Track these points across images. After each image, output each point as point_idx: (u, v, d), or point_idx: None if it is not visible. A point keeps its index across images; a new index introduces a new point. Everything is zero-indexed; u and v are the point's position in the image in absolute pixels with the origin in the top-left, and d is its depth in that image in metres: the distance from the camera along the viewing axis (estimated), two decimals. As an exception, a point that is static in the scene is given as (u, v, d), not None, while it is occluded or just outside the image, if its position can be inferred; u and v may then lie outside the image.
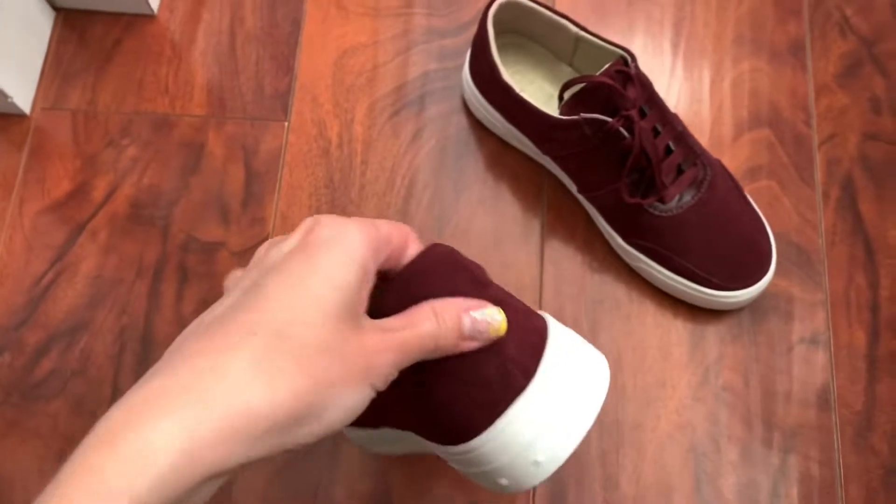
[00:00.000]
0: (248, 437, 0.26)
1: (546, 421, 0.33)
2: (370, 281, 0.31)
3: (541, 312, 0.38)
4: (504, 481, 0.35)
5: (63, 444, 0.54)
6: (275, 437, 0.26)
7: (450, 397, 0.34)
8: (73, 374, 0.56)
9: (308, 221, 0.31)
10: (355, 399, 0.29)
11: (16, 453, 0.54)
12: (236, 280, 0.32)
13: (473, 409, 0.34)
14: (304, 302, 0.28)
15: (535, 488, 0.36)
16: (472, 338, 0.32)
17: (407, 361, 0.31)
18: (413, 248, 0.35)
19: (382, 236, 0.32)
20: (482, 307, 0.32)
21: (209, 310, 0.31)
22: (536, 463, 0.34)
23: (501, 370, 0.33)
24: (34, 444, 0.54)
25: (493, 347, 0.33)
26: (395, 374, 0.30)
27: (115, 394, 0.55)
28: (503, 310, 0.34)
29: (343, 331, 0.28)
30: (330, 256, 0.29)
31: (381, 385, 0.30)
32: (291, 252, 0.30)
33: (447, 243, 0.59)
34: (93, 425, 0.26)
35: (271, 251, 0.31)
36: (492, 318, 0.32)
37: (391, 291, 0.34)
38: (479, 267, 0.36)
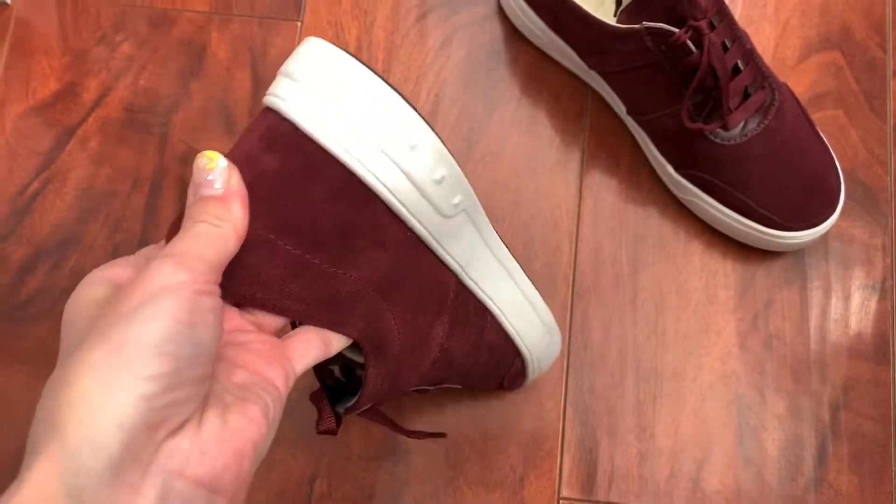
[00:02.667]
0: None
1: (336, 98, 0.29)
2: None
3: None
4: (413, 140, 0.30)
5: (52, 369, 0.49)
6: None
7: (316, 211, 0.29)
8: (63, 294, 0.51)
9: None
10: (156, 307, 0.25)
11: (1, 378, 0.49)
12: None
13: (324, 186, 0.29)
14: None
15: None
16: (217, 187, 0.28)
17: (200, 251, 0.27)
18: None
19: (126, 259, 0.30)
20: (192, 177, 0.29)
21: None
22: (375, 104, 0.29)
23: (269, 150, 0.29)
24: (20, 370, 0.50)
25: (247, 163, 0.29)
26: (190, 264, 0.26)
27: (109, 318, 0.50)
28: (235, 145, 0.31)
29: (97, 310, 0.27)
30: (69, 304, 0.29)
31: (183, 275, 0.26)
32: None
33: (475, 167, 0.53)
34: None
35: None
36: (199, 165, 0.29)
37: None
38: None
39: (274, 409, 0.28)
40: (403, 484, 0.48)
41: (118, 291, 0.26)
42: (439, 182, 0.31)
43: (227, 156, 0.29)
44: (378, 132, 0.29)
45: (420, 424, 0.49)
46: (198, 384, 0.25)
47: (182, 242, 0.27)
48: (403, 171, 0.30)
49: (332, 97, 0.29)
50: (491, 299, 0.37)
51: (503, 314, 0.38)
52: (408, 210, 0.31)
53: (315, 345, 0.32)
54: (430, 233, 0.32)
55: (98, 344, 0.24)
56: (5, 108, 0.54)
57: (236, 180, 0.29)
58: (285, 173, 0.29)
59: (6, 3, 0.56)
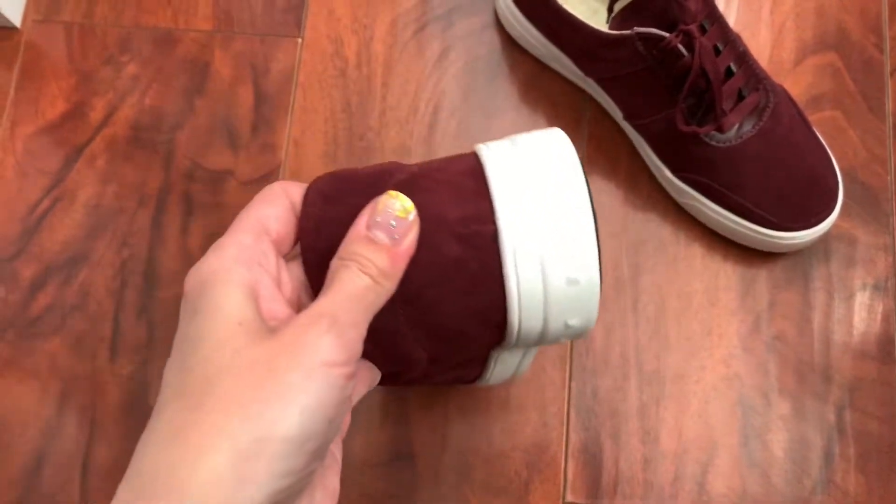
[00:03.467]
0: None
1: (544, 233, 0.28)
2: (269, 282, 0.28)
3: (475, 147, 0.32)
4: (572, 320, 0.30)
5: (62, 384, 0.50)
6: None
7: (450, 301, 0.29)
8: (72, 310, 0.52)
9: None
10: (309, 390, 0.24)
11: (13, 393, 0.50)
12: None
13: (478, 296, 0.29)
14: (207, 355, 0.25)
15: (586, 337, 0.32)
16: (396, 239, 0.27)
17: (355, 316, 0.26)
18: (300, 197, 0.31)
19: (251, 241, 0.28)
20: (374, 207, 0.27)
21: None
22: (574, 281, 0.29)
23: (460, 240, 0.28)
24: (32, 384, 0.51)
25: (435, 228, 0.28)
26: (346, 336, 0.26)
27: (116, 331, 0.51)
28: (418, 181, 0.29)
29: (248, 347, 0.25)
30: (206, 308, 0.26)
31: (338, 354, 0.25)
32: (183, 323, 0.27)
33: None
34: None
35: None
36: (390, 207, 0.27)
37: (308, 270, 0.30)
38: (375, 165, 0.31)
39: (340, 461, 0.29)
40: (409, 491, 0.48)
41: (270, 337, 0.25)
42: (574, 283, 0.30)
43: (414, 192, 0.28)
44: (556, 287, 0.29)
45: (425, 431, 0.49)
46: (312, 473, 0.25)
47: (341, 300, 0.26)
48: (543, 334, 0.30)
49: (536, 197, 0.28)
50: (494, 357, 0.38)
51: (493, 368, 0.38)
52: (512, 346, 0.32)
53: (367, 384, 0.33)
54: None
55: (243, 419, 0.23)
56: (16, 129, 0.56)
57: (412, 240, 0.27)
58: (457, 273, 0.28)
59: (16, 28, 0.58)
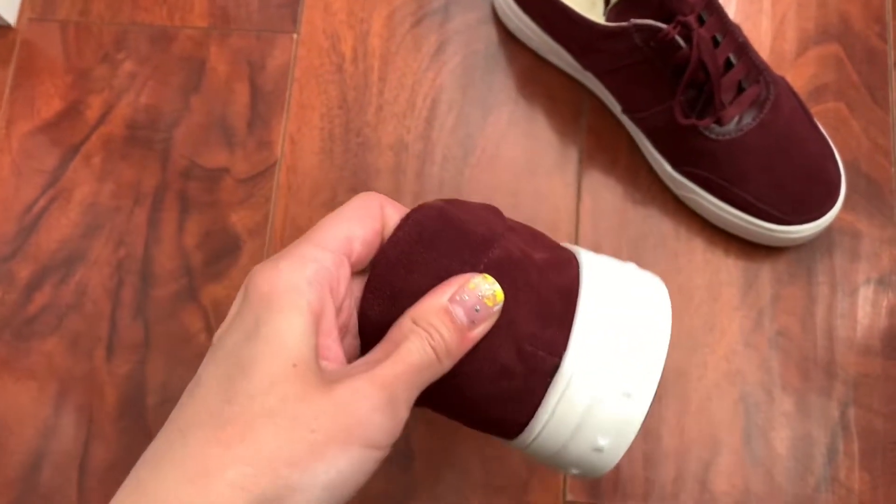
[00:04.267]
0: None
1: (594, 399, 0.28)
2: (331, 313, 0.27)
3: (577, 251, 0.32)
4: (574, 470, 0.30)
5: (59, 384, 0.50)
6: None
7: (480, 396, 0.29)
8: (69, 310, 0.52)
9: (242, 288, 0.27)
10: (339, 468, 0.24)
11: (9, 394, 0.50)
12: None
13: (506, 404, 0.29)
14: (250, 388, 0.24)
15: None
16: (473, 323, 0.27)
17: (410, 393, 0.26)
18: (393, 220, 0.29)
19: (331, 264, 0.27)
20: (464, 284, 0.27)
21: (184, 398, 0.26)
22: (598, 449, 0.29)
23: (520, 354, 0.28)
24: (28, 385, 0.50)
25: (503, 329, 0.28)
26: (397, 417, 0.25)
27: (113, 330, 0.51)
28: (512, 270, 0.28)
29: (296, 398, 0.24)
30: (266, 331, 0.25)
31: (382, 437, 0.25)
32: (230, 336, 0.26)
33: (472, 172, 0.53)
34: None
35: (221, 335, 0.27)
36: (481, 291, 0.27)
37: (369, 297, 0.28)
38: (482, 215, 0.30)
39: None
40: (409, 491, 0.48)
41: (321, 391, 0.24)
42: (598, 451, 0.30)
43: (504, 281, 0.27)
44: (580, 446, 0.29)
45: (424, 430, 0.48)
46: None
47: (402, 371, 0.25)
48: (544, 462, 0.30)
49: (609, 357, 0.28)
50: None
51: None
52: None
53: None
54: None
55: (268, 478, 0.23)
56: (12, 127, 0.56)
57: (485, 329, 0.27)
58: (499, 379, 0.28)
59: (11, 26, 0.58)
